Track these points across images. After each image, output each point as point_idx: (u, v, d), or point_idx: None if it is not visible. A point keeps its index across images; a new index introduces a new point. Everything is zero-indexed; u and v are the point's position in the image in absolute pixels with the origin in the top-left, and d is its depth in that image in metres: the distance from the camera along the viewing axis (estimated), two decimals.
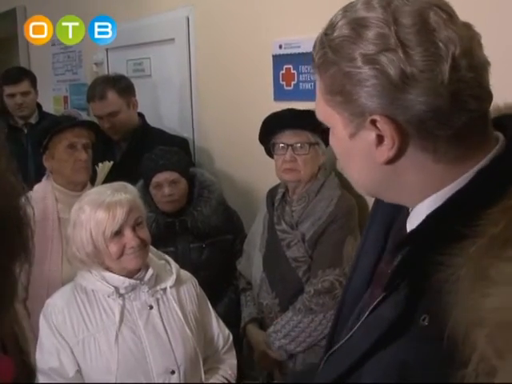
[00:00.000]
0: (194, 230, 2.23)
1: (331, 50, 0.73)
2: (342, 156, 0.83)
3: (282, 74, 2.39)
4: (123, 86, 2.75)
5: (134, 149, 2.67)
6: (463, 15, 0.74)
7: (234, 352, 1.81)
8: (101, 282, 1.59)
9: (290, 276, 1.96)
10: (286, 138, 1.99)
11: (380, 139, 0.73)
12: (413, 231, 0.78)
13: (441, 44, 0.68)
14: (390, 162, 0.74)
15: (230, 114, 2.74)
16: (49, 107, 3.96)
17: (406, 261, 0.76)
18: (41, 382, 1.55)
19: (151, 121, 2.97)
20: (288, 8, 2.33)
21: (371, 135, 0.73)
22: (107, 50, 3.52)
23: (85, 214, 1.56)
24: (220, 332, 1.79)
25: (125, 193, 1.58)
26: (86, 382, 1.55)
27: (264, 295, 2.04)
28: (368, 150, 0.75)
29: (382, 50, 0.68)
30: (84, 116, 3.33)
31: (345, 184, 2.01)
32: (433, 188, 0.74)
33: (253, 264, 2.13)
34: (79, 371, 1.55)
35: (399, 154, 0.72)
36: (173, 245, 2.21)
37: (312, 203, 1.98)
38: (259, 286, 2.07)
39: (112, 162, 2.44)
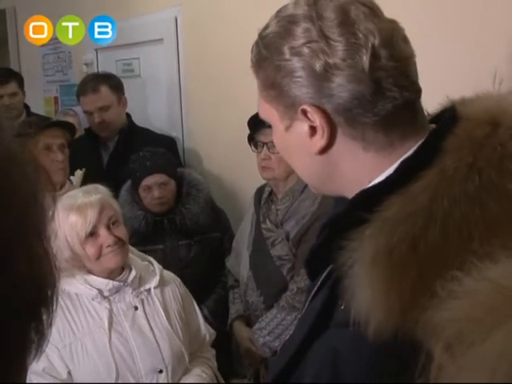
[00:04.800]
0: (183, 227, 2.25)
1: (264, 46, 0.78)
2: (283, 151, 0.86)
3: None
4: (115, 82, 2.78)
5: (122, 149, 2.68)
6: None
7: (213, 352, 1.83)
8: (84, 286, 1.58)
9: (275, 274, 1.98)
10: (262, 136, 2.02)
11: (313, 130, 0.76)
12: (327, 220, 0.81)
13: (360, 35, 0.71)
14: (323, 151, 0.76)
15: (219, 113, 2.76)
16: (39, 108, 3.96)
17: (313, 248, 0.80)
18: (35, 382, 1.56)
19: (140, 121, 2.98)
20: (275, 7, 2.34)
21: (304, 126, 0.76)
22: (97, 50, 3.52)
23: (58, 219, 1.56)
24: (207, 331, 1.82)
25: (95, 194, 1.59)
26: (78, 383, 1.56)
27: (250, 293, 2.06)
28: (303, 142, 0.78)
29: (306, 42, 0.73)
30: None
31: None
32: (368, 179, 0.76)
33: (241, 262, 2.15)
34: (70, 373, 1.55)
35: (330, 142, 0.75)
36: (162, 242, 2.23)
37: (296, 202, 1.99)
38: (246, 283, 2.09)
39: (84, 169, 2.44)
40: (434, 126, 0.77)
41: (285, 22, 0.76)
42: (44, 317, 0.43)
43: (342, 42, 0.71)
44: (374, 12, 0.74)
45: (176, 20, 2.92)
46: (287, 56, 0.74)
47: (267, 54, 0.77)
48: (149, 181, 2.22)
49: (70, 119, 3.37)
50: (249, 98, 2.49)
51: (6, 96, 3.27)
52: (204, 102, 2.85)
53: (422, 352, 0.50)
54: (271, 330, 1.94)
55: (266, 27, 0.79)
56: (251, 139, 2.09)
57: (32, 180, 0.42)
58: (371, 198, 0.70)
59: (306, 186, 2.01)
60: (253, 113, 2.09)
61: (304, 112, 0.75)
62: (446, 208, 0.65)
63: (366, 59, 0.71)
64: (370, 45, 0.71)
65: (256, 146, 2.06)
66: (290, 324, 1.90)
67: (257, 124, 2.04)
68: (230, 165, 2.71)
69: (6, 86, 3.26)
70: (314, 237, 1.86)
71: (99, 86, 2.70)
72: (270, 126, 2.06)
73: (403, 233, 0.65)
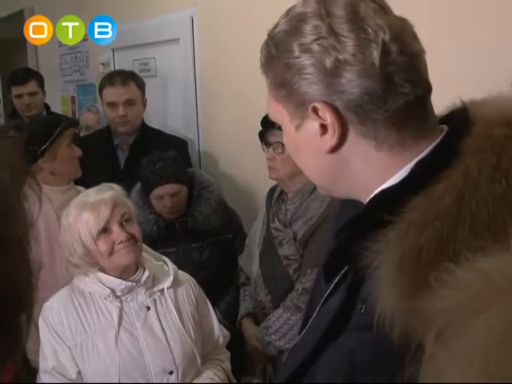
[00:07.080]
0: (195, 230, 2.23)
1: (273, 45, 0.78)
2: (293, 152, 0.85)
3: None
4: (140, 81, 2.80)
5: (137, 151, 2.66)
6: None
7: (228, 354, 1.82)
8: (97, 285, 1.59)
9: (282, 273, 1.97)
10: (271, 136, 2.01)
11: (324, 128, 0.75)
12: (346, 222, 0.79)
13: (370, 30, 0.71)
14: (334, 149, 0.76)
15: (235, 112, 2.75)
16: (57, 107, 4.00)
17: (334, 250, 0.78)
18: (45, 381, 1.57)
19: (156, 120, 2.99)
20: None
21: (315, 125, 0.75)
22: (113, 50, 3.54)
23: (72, 216, 1.57)
24: (221, 333, 1.81)
25: (109, 191, 1.60)
26: (86, 383, 1.56)
27: (259, 291, 2.06)
28: (313, 141, 0.77)
29: (315, 39, 0.72)
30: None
31: None
32: (380, 178, 0.75)
33: (253, 260, 2.15)
34: (80, 372, 1.56)
35: (342, 141, 0.75)
36: (174, 245, 2.22)
37: (306, 203, 1.98)
38: (255, 281, 2.09)
39: None
40: (444, 126, 0.76)
41: (294, 21, 0.75)
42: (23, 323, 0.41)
43: (351, 38, 0.71)
44: (384, 9, 0.74)
45: (192, 20, 2.92)
46: (297, 53, 0.74)
47: (276, 52, 0.77)
48: (160, 191, 2.19)
49: (92, 115, 3.40)
50: (265, 98, 2.50)
51: (26, 95, 3.30)
52: (220, 101, 2.85)
53: (414, 341, 0.51)
54: (277, 330, 1.94)
55: (276, 26, 0.79)
56: (262, 138, 2.08)
57: (5, 186, 0.41)
58: (391, 199, 0.69)
59: (315, 187, 1.99)
60: None
61: (315, 110, 0.74)
62: (473, 208, 0.65)
63: (376, 54, 0.70)
64: (380, 40, 0.71)
65: (267, 146, 2.06)
66: (295, 324, 1.89)
67: (268, 123, 2.03)
68: (245, 165, 2.70)
69: (25, 85, 3.30)
70: (321, 238, 1.88)
71: (128, 80, 2.71)
72: (279, 128, 2.07)
73: (431, 234, 0.64)
